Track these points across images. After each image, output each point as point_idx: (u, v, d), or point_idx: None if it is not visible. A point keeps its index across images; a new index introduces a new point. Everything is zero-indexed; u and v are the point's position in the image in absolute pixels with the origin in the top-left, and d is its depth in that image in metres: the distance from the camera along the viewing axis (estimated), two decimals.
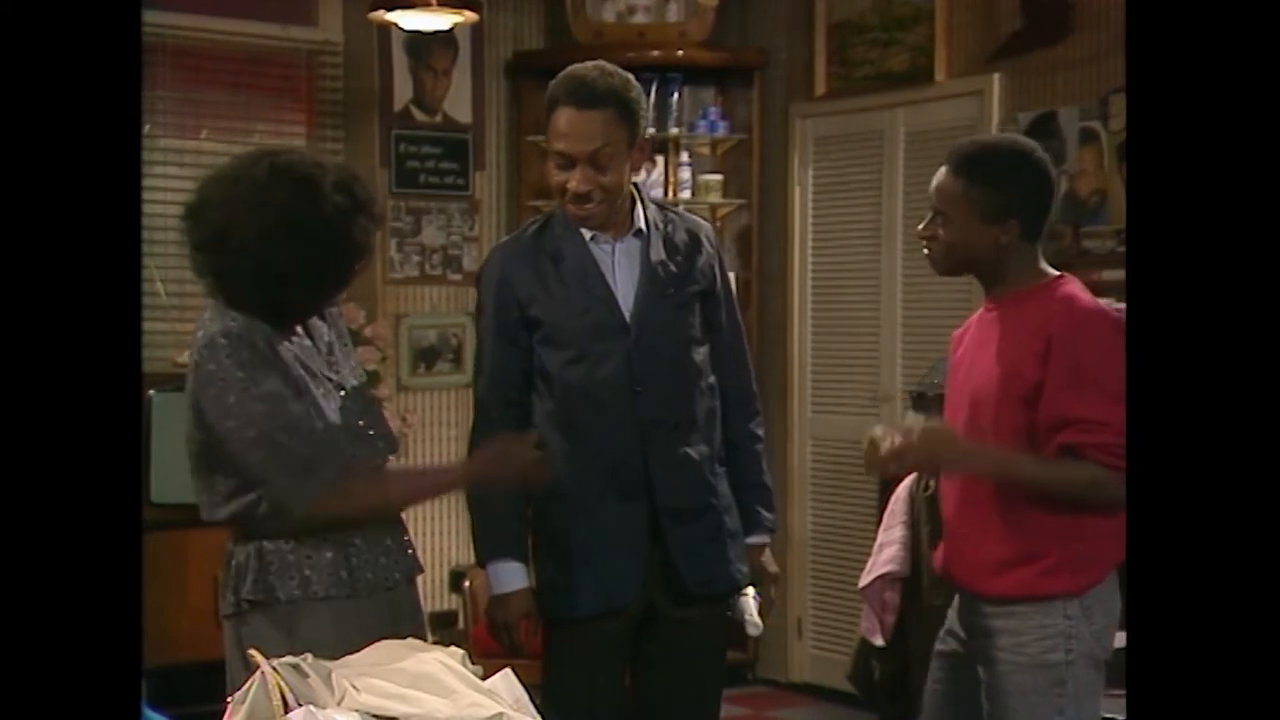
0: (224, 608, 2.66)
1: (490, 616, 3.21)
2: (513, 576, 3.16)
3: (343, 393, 2.72)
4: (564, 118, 3.09)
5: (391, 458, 2.81)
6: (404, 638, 2.32)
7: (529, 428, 3.09)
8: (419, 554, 2.87)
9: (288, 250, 2.54)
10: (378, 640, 2.25)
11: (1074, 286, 2.97)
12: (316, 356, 2.71)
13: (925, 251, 3.03)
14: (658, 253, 3.17)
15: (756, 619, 3.25)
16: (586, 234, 3.14)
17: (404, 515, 2.87)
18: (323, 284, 2.64)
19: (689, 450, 3.16)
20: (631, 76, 3.15)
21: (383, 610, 2.66)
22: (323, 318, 2.80)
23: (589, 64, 3.15)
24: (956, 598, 3.12)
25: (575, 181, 3.08)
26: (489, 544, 3.20)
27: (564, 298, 3.12)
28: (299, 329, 2.73)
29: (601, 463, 3.10)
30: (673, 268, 3.18)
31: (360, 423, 2.72)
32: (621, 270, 3.14)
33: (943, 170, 2.95)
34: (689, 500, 3.16)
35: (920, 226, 3.01)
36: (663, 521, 3.12)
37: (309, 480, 2.55)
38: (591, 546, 3.10)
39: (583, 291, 3.12)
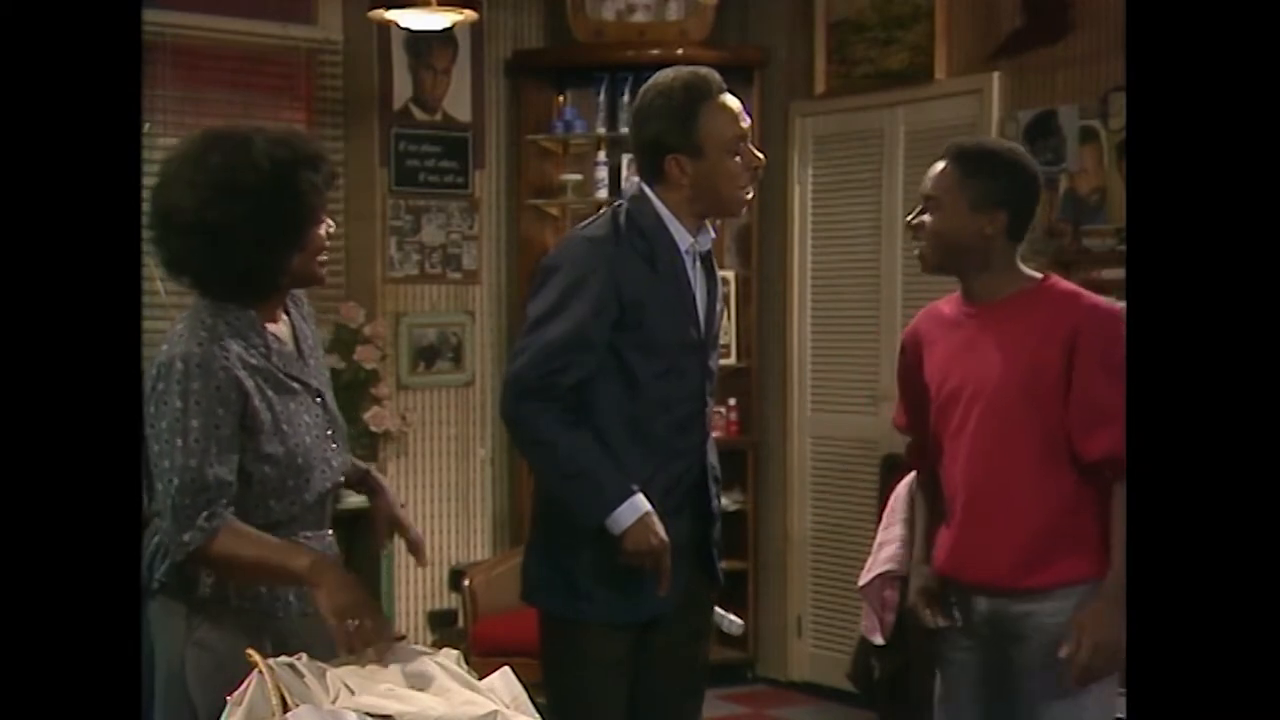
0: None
1: (639, 544, 2.98)
2: (642, 500, 3.01)
3: (319, 400, 2.69)
4: (731, 101, 3.13)
5: (342, 477, 2.75)
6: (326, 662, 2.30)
7: (584, 424, 3.02)
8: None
9: (230, 209, 2.52)
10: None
11: (1069, 283, 3.06)
12: (296, 361, 2.68)
13: (916, 250, 3.09)
14: (718, 268, 3.24)
15: (733, 617, 3.26)
16: (682, 243, 3.10)
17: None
18: (274, 243, 2.57)
19: (714, 460, 3.25)
20: None
21: (297, 633, 2.56)
22: (303, 315, 2.77)
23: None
24: (966, 599, 3.13)
25: (756, 159, 3.12)
26: (613, 487, 3.00)
27: (665, 307, 3.07)
28: (279, 330, 2.69)
29: (670, 473, 3.09)
30: (719, 285, 3.24)
31: (330, 432, 2.69)
32: (696, 283, 3.15)
33: (939, 162, 3.07)
34: (719, 506, 3.25)
35: (909, 217, 3.09)
36: (708, 527, 3.20)
37: (187, 530, 2.49)
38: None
39: (679, 303, 3.10)
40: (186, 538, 2.48)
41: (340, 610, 2.40)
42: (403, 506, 2.85)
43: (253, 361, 2.58)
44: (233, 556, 2.50)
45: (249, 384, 2.55)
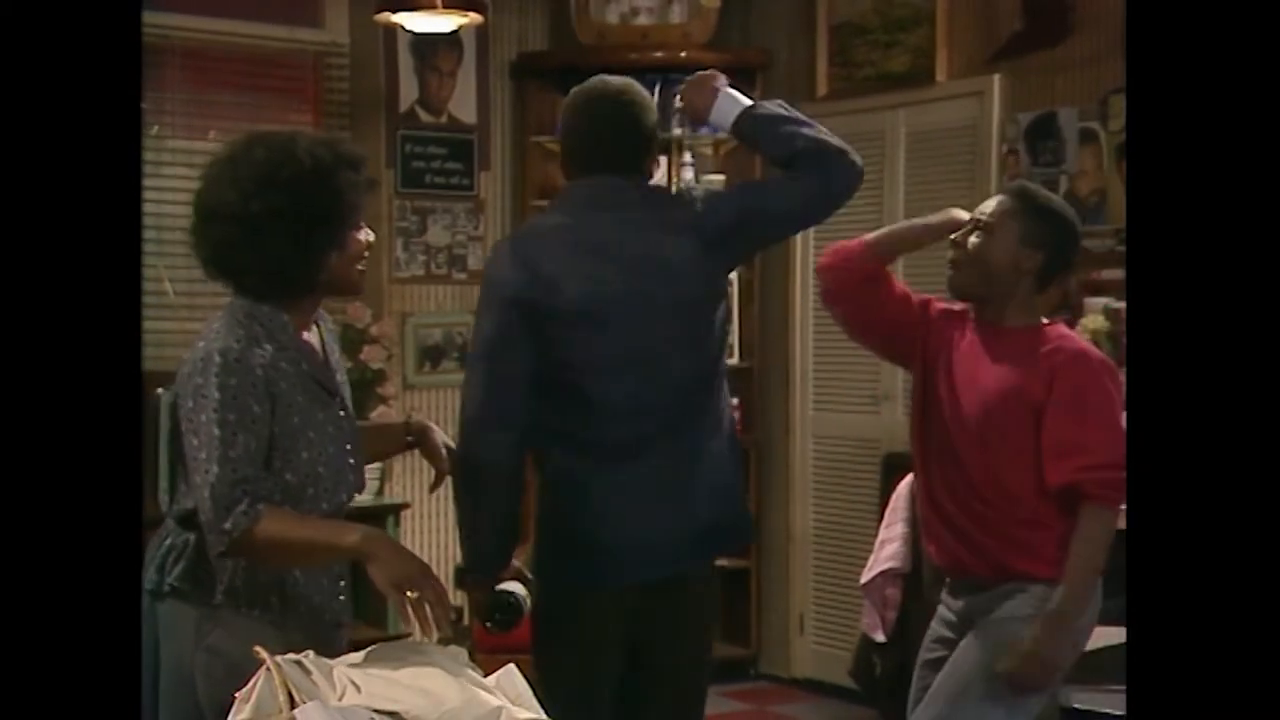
0: (146, 581, 2.60)
1: None
2: None
3: (343, 413, 2.71)
4: None
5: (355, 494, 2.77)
6: None
7: None
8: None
9: (269, 201, 2.54)
10: None
11: (1064, 329, 3.30)
12: (325, 370, 2.70)
13: (949, 269, 3.28)
14: None
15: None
16: None
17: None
18: (310, 240, 2.59)
19: None
20: None
21: (309, 640, 2.49)
22: (329, 330, 2.78)
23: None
24: (945, 598, 3.26)
25: None
26: None
27: None
28: (311, 338, 2.70)
29: None
30: None
31: (349, 446, 2.70)
32: None
33: (1000, 195, 3.31)
34: None
35: (955, 233, 3.28)
36: None
37: (228, 518, 2.46)
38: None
39: None
40: (229, 525, 2.45)
41: (398, 582, 2.38)
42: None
43: (285, 366, 2.58)
44: (281, 539, 2.47)
45: (279, 387, 2.55)
